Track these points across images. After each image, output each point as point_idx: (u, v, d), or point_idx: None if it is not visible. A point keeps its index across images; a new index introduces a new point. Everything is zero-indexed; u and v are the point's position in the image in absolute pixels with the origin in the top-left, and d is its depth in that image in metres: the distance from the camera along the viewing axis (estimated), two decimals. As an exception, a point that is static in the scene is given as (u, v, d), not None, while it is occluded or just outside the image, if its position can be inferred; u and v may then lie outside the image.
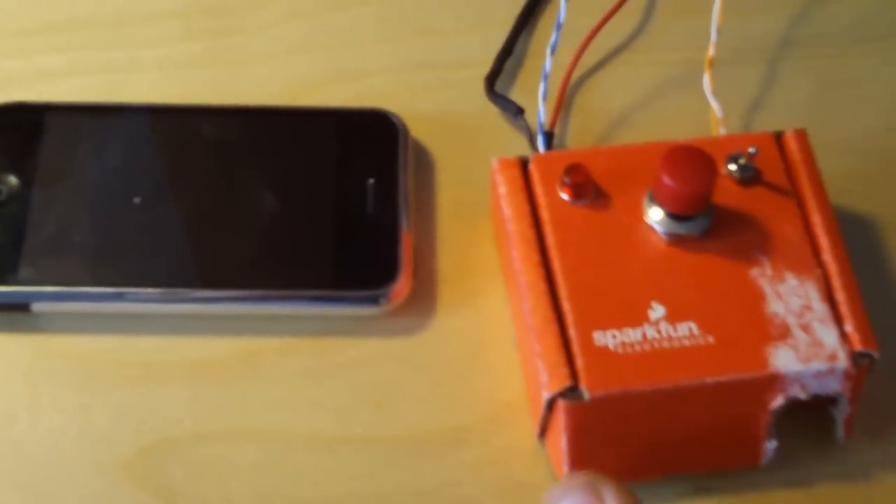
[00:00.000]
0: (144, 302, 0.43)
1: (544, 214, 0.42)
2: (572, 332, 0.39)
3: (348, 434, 0.42)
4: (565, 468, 0.40)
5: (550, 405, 0.39)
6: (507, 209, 0.42)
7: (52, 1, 0.52)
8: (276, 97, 0.49)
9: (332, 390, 0.43)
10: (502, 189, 0.43)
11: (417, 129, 0.48)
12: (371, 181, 0.45)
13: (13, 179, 0.45)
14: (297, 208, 0.45)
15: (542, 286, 0.40)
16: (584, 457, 0.39)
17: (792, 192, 0.42)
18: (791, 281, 0.40)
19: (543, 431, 0.41)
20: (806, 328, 0.39)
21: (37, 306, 0.43)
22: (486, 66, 0.50)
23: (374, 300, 0.43)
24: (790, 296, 0.40)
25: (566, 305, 0.40)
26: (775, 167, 0.42)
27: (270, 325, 0.44)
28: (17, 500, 0.41)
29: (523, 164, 0.43)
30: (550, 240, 0.41)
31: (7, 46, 0.50)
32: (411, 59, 0.51)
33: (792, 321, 0.40)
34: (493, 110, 0.49)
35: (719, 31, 0.46)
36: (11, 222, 0.44)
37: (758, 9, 0.52)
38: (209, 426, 0.42)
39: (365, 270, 0.44)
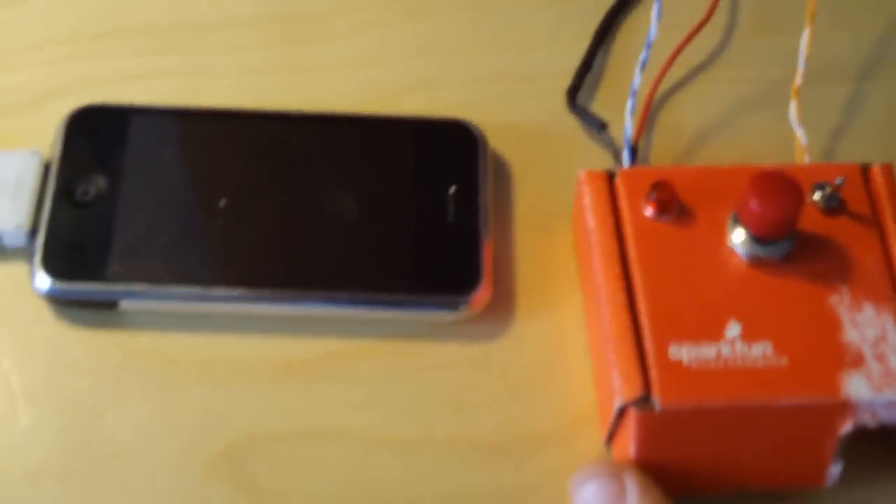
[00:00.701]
0: (229, 302, 0.44)
1: (628, 228, 0.42)
2: (648, 343, 0.40)
3: (428, 436, 0.43)
4: None
5: (621, 413, 0.40)
6: (592, 220, 0.43)
7: (131, 5, 0.52)
8: (351, 105, 0.50)
9: (412, 393, 0.44)
10: (588, 200, 0.43)
11: (495, 140, 0.49)
12: (452, 190, 0.46)
13: (101, 180, 0.46)
14: (379, 214, 0.46)
15: (621, 297, 0.41)
16: (649, 466, 0.40)
17: (874, 224, 0.43)
18: (868, 311, 0.41)
19: (611, 438, 0.42)
20: (880, 358, 0.40)
21: (124, 304, 0.44)
22: (561, 79, 0.51)
23: (454, 306, 0.44)
24: (866, 325, 0.41)
25: (644, 318, 0.41)
26: (859, 198, 0.43)
27: (352, 327, 0.45)
28: (106, 494, 0.42)
29: (610, 177, 0.44)
30: (632, 253, 0.42)
31: (88, 49, 0.51)
32: (487, 70, 0.51)
33: (867, 350, 0.40)
34: (568, 123, 0.50)
35: (807, 60, 0.47)
36: (99, 222, 0.45)
37: (839, 30, 0.53)
38: (292, 426, 0.43)
39: (446, 277, 0.45)
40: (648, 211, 0.42)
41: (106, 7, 0.52)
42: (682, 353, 0.40)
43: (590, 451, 0.43)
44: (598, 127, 0.49)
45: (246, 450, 0.43)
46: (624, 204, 0.43)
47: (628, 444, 0.40)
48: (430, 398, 0.44)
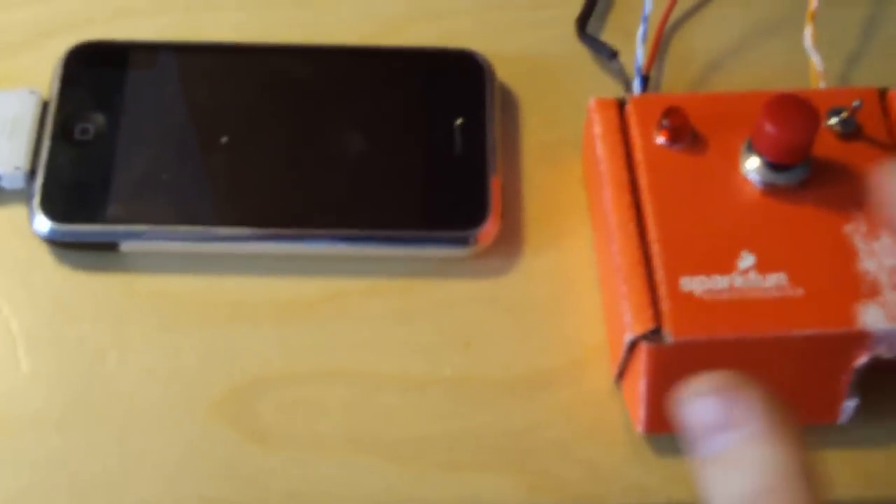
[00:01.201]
0: (232, 241, 0.43)
1: (639, 156, 0.41)
2: (659, 275, 0.39)
3: (437, 375, 0.42)
4: (641, 413, 0.40)
5: (632, 347, 0.39)
6: (602, 149, 0.42)
7: (131, -60, 0.51)
8: (359, 37, 0.49)
9: (421, 331, 0.43)
10: (598, 129, 0.42)
11: (502, 71, 0.47)
12: (458, 122, 0.45)
13: (100, 118, 0.45)
14: (385, 149, 0.45)
15: (631, 228, 0.40)
16: (661, 402, 0.39)
17: (893, 149, 0.41)
18: (885, 239, 0.40)
19: (622, 374, 0.41)
20: None
21: (125, 245, 0.43)
22: (569, 8, 0.50)
23: (462, 241, 0.43)
24: (883, 254, 0.40)
25: (655, 248, 0.40)
26: (877, 123, 0.42)
27: (358, 266, 0.44)
28: (109, 438, 0.41)
29: (620, 105, 0.43)
30: (643, 182, 0.41)
31: (87, -14, 0.50)
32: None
33: (883, 280, 0.39)
34: (578, 52, 0.49)
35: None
36: (99, 161, 0.44)
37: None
38: (298, 366, 0.42)
39: (453, 212, 0.44)
40: (660, 139, 0.41)
41: (104, -57, 0.51)
42: (694, 284, 0.39)
43: (600, 389, 0.42)
44: (608, 55, 0.48)
45: (252, 392, 0.42)
46: (635, 132, 0.42)
47: (639, 379, 0.39)
48: (439, 336, 0.43)
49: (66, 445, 0.41)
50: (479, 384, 0.42)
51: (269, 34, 0.49)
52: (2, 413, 0.41)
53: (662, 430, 0.40)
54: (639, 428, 0.40)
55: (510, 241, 0.45)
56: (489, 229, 0.43)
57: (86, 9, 0.49)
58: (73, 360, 0.42)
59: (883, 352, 0.39)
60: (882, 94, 0.43)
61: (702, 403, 0.33)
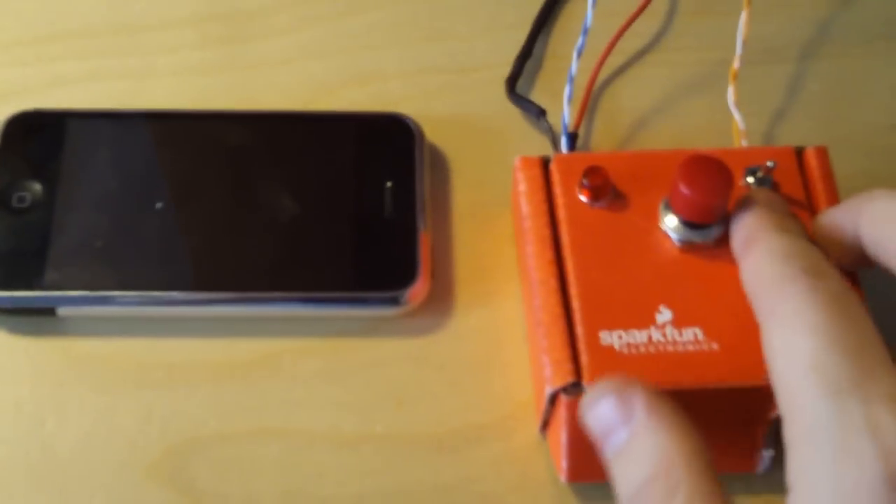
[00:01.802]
0: (167, 305, 0.44)
1: (561, 214, 0.42)
2: (579, 329, 0.40)
3: (369, 432, 0.43)
4: (563, 463, 0.41)
5: (553, 399, 0.40)
6: (526, 206, 0.43)
7: (67, 8, 0.52)
8: (292, 101, 0.50)
9: (353, 390, 0.44)
10: (522, 186, 0.43)
11: (432, 132, 0.49)
12: (388, 184, 0.46)
13: (36, 186, 0.46)
14: (316, 211, 0.46)
15: (553, 283, 0.41)
16: (582, 452, 0.40)
17: (808, 207, 0.42)
18: None
19: (546, 425, 0.42)
20: None
21: (62, 310, 0.44)
22: (498, 69, 0.51)
23: (393, 301, 0.44)
24: None
25: (575, 303, 0.41)
26: (793, 181, 0.43)
27: (291, 326, 0.45)
28: (46, 501, 0.42)
29: (545, 163, 0.44)
30: (565, 239, 0.42)
31: (23, 54, 0.51)
32: (425, 62, 0.51)
33: None
34: (507, 113, 0.50)
35: (744, 44, 0.47)
36: (36, 228, 0.45)
37: (777, 9, 0.53)
38: (233, 426, 0.43)
39: (384, 272, 0.45)
40: (582, 197, 0.42)
41: (41, 11, 0.52)
42: (614, 338, 0.40)
43: (529, 443, 0.43)
44: (536, 114, 0.49)
45: (187, 452, 0.43)
46: (558, 190, 0.43)
47: (560, 430, 0.40)
48: (371, 394, 0.44)
49: (4, 509, 0.41)
50: (410, 441, 0.43)
51: (203, 100, 0.50)
52: (-60, 478, 0.42)
53: (584, 479, 0.41)
54: (562, 477, 0.41)
55: (441, 300, 0.45)
56: (419, 289, 0.44)
57: (24, 76, 0.50)
58: (11, 423, 0.43)
59: None
60: (799, 152, 0.44)
61: (595, 409, 0.35)
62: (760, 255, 0.37)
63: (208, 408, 0.43)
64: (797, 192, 0.43)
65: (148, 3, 0.52)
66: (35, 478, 0.42)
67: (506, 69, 0.51)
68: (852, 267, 0.40)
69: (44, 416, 0.43)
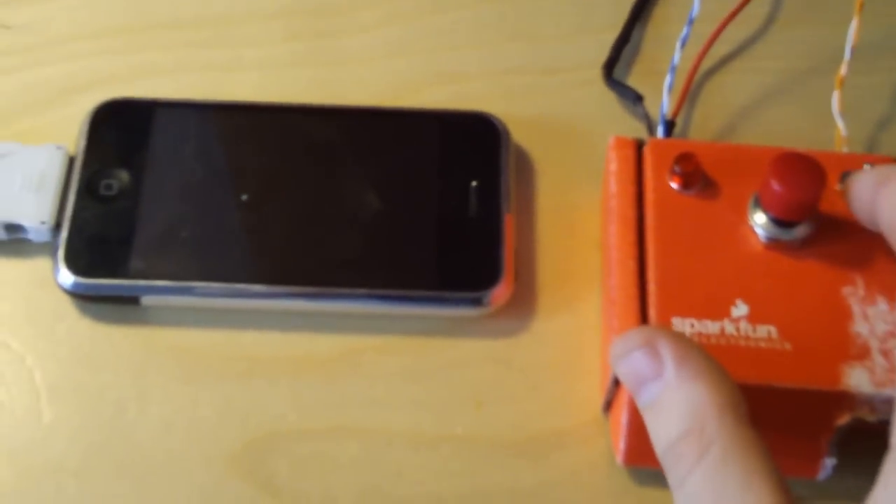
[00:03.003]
0: (251, 298, 0.44)
1: (649, 197, 0.42)
2: (653, 312, 0.40)
3: (448, 433, 0.43)
4: (622, 444, 0.41)
5: (617, 380, 0.40)
6: (614, 186, 0.43)
7: (156, 0, 0.52)
8: (376, 98, 0.50)
9: (433, 390, 0.44)
10: (613, 166, 0.43)
11: (516, 133, 0.48)
12: (474, 184, 0.46)
13: (123, 175, 0.46)
14: (400, 209, 0.46)
15: (631, 265, 0.41)
16: (641, 435, 0.39)
17: None
18: (882, 305, 0.40)
19: (609, 406, 0.42)
20: (887, 354, 0.39)
21: (146, 299, 0.44)
22: (584, 72, 0.51)
23: (476, 302, 0.44)
24: (877, 319, 0.40)
25: (652, 287, 0.41)
26: None
27: (372, 324, 0.45)
28: (126, 489, 0.42)
29: (639, 145, 0.44)
30: (650, 222, 0.42)
31: (111, 44, 0.52)
32: (510, 62, 0.51)
33: (874, 344, 0.40)
34: (593, 115, 0.50)
35: (853, 51, 0.46)
36: (122, 217, 0.45)
37: (875, 18, 0.51)
38: (312, 422, 0.43)
39: (467, 272, 0.45)
40: (673, 183, 0.42)
41: (131, 2, 0.53)
42: (686, 326, 0.40)
43: (610, 451, 0.43)
44: (633, 99, 0.49)
45: (266, 447, 0.43)
46: (649, 173, 0.43)
47: (621, 412, 0.40)
48: (451, 395, 0.44)
49: (85, 495, 0.42)
50: (489, 444, 0.43)
51: (288, 94, 0.50)
52: (23, 462, 0.42)
53: (641, 463, 0.41)
54: (619, 458, 0.41)
55: (523, 303, 0.45)
56: (502, 291, 0.44)
57: (113, 66, 0.51)
58: (93, 410, 0.43)
59: (865, 414, 0.39)
60: None
61: (627, 360, 0.35)
62: None
63: (288, 403, 0.43)
64: None
65: (236, -4, 0.53)
66: (116, 464, 0.42)
67: (590, 71, 0.51)
68: None
69: (126, 404, 0.43)
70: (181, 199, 0.46)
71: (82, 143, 0.47)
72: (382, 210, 0.46)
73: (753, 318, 0.40)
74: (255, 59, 0.51)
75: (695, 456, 0.33)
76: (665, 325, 0.40)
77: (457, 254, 0.45)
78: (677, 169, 0.42)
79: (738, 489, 0.33)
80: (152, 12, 0.52)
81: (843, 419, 0.39)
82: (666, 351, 0.35)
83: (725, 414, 0.34)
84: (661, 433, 0.35)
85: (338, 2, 0.53)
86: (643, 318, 0.40)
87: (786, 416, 0.40)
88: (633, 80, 0.50)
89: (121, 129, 0.47)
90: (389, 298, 0.44)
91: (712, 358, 0.35)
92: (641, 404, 0.36)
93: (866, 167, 0.42)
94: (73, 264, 0.44)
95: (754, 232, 0.42)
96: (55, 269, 0.44)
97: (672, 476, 0.34)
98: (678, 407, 0.34)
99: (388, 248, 0.45)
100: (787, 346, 0.40)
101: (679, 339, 0.36)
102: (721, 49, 0.51)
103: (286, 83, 0.51)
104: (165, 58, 0.51)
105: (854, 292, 0.41)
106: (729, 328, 0.40)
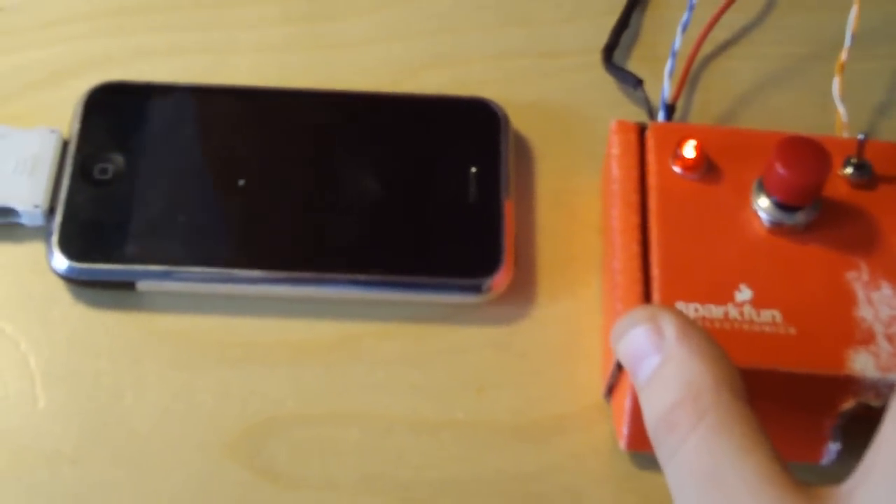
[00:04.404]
0: (248, 283, 0.44)
1: (652, 181, 0.42)
2: (656, 297, 0.40)
3: (449, 418, 0.43)
4: (624, 429, 0.40)
5: (620, 365, 0.40)
6: (616, 170, 0.43)
7: (152, -20, 0.52)
8: (373, 82, 0.50)
9: (433, 375, 0.43)
10: (615, 150, 0.43)
11: (515, 117, 0.48)
12: (473, 170, 0.46)
13: (119, 158, 0.46)
14: (400, 195, 0.45)
15: (635, 248, 0.41)
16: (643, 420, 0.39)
17: None
18: (886, 290, 0.40)
19: (611, 391, 0.42)
20: (891, 338, 0.39)
21: (142, 285, 0.44)
22: (583, 56, 0.50)
23: (475, 289, 0.44)
24: (882, 304, 0.40)
25: (655, 271, 0.40)
26: (893, 177, 0.42)
27: (371, 310, 0.44)
28: (123, 475, 0.41)
29: (641, 129, 0.44)
30: (653, 206, 0.42)
31: (107, 25, 0.51)
32: (509, 46, 0.51)
33: (878, 329, 0.40)
34: (592, 100, 0.49)
35: (853, 37, 0.46)
36: (117, 201, 0.45)
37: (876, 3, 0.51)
38: (312, 408, 0.43)
39: (467, 259, 0.44)
40: (675, 167, 0.42)
41: (126, -18, 0.52)
42: (690, 310, 0.40)
43: (612, 435, 0.42)
44: (633, 84, 0.48)
45: (265, 433, 0.42)
46: (651, 157, 0.43)
47: (625, 398, 0.40)
48: (452, 380, 0.43)
49: (81, 482, 0.41)
50: (490, 429, 0.43)
51: (286, 77, 0.50)
52: (18, 448, 0.42)
53: (643, 448, 0.40)
54: (622, 444, 0.41)
55: (523, 289, 0.45)
56: (502, 277, 0.44)
57: (107, 48, 0.50)
58: (89, 396, 0.43)
59: (870, 399, 0.39)
60: None
61: (627, 337, 0.35)
62: None
63: (287, 388, 0.43)
64: (895, 187, 0.42)
65: (231, -23, 0.52)
66: (113, 451, 0.42)
67: (590, 56, 0.50)
68: None
69: (122, 391, 0.43)
70: (177, 184, 0.45)
71: (76, 126, 0.46)
72: (381, 196, 0.45)
73: (757, 303, 0.40)
74: (251, 42, 0.51)
75: (689, 423, 0.33)
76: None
77: (456, 240, 0.45)
78: (680, 153, 0.42)
79: (736, 457, 0.32)
80: (146, -6, 0.52)
81: (848, 404, 0.39)
82: (668, 327, 0.35)
83: (721, 387, 0.33)
84: (655, 403, 0.35)
85: (334, -16, 0.52)
86: (647, 302, 0.40)
87: (790, 400, 0.39)
88: (633, 65, 0.50)
89: (115, 113, 0.47)
90: (387, 285, 0.44)
91: (714, 339, 0.35)
92: (639, 380, 0.36)
93: None
94: (68, 249, 0.44)
95: (758, 216, 0.41)
96: (49, 254, 0.44)
97: (664, 447, 0.34)
98: (674, 378, 0.34)
99: (386, 235, 0.45)
100: (792, 330, 0.39)
101: (682, 316, 0.35)
102: (721, 34, 0.51)
103: (283, 66, 0.50)
104: (160, 40, 0.51)
105: (858, 277, 0.40)
106: (733, 312, 0.40)
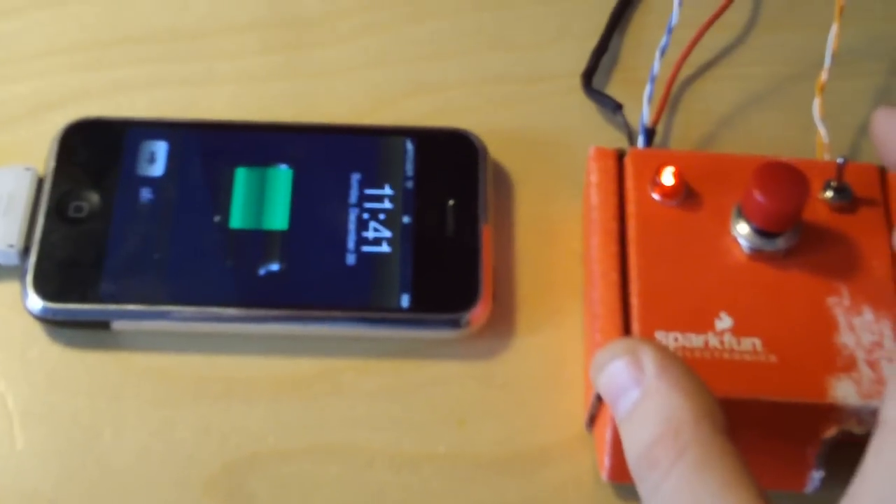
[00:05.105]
0: (225, 322, 0.43)
1: (631, 208, 0.42)
2: (635, 326, 0.39)
3: (431, 452, 0.42)
4: (606, 460, 0.40)
5: (600, 396, 0.39)
6: (595, 197, 0.42)
7: (128, 14, 0.52)
8: (354, 110, 0.49)
9: (414, 409, 0.43)
10: (594, 177, 0.43)
11: (495, 143, 0.48)
12: (451, 203, 0.45)
13: (94, 196, 0.45)
14: (378, 229, 0.45)
15: (614, 277, 0.41)
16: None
17: (886, 228, 0.41)
18: (867, 315, 0.40)
19: (592, 421, 0.42)
20: (873, 365, 0.39)
21: (116, 325, 0.43)
22: (564, 80, 0.50)
23: (454, 324, 0.43)
24: (863, 330, 0.40)
25: (634, 300, 0.40)
26: (874, 200, 0.42)
27: (351, 344, 0.44)
28: (102, 516, 0.41)
29: (619, 156, 0.43)
30: (632, 234, 0.41)
31: (85, 59, 0.51)
32: (489, 72, 0.51)
33: (860, 355, 0.39)
34: (572, 127, 0.49)
35: (833, 57, 0.46)
36: (92, 239, 0.44)
37: (854, 23, 0.50)
38: (292, 443, 0.42)
39: (444, 294, 0.44)
40: (654, 194, 0.42)
41: (102, 17, 0.52)
42: (669, 340, 0.39)
43: (594, 466, 0.42)
44: (613, 108, 0.48)
45: (245, 468, 0.42)
46: (630, 184, 0.42)
47: (605, 428, 0.39)
48: (433, 413, 0.43)
49: (60, 524, 0.41)
50: (472, 462, 0.42)
51: (264, 107, 0.49)
52: (-3, 490, 0.41)
53: (626, 480, 0.40)
54: (604, 475, 0.40)
55: (503, 321, 0.45)
56: (481, 311, 0.43)
57: (85, 82, 0.50)
58: (68, 436, 0.42)
59: (853, 426, 0.38)
60: (882, 172, 0.43)
61: (606, 370, 0.35)
62: None
63: (267, 424, 0.43)
64: (876, 211, 0.42)
65: (209, 9, 0.52)
66: (92, 490, 0.41)
67: (569, 82, 0.50)
68: None
69: (101, 429, 0.42)
70: (153, 221, 0.45)
71: (51, 163, 0.46)
72: (359, 230, 0.45)
73: (738, 331, 0.39)
74: (229, 73, 0.50)
75: (670, 459, 0.33)
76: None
77: (434, 275, 0.44)
78: (659, 180, 0.42)
79: (718, 493, 0.32)
80: (124, 27, 0.51)
81: (831, 432, 0.39)
82: (648, 360, 0.35)
83: (701, 422, 0.33)
84: (636, 439, 0.34)
85: (313, 13, 0.52)
86: (626, 332, 0.40)
87: (772, 429, 0.39)
88: (613, 89, 0.50)
89: (91, 149, 0.46)
90: (365, 321, 0.43)
91: (694, 371, 0.35)
92: (619, 414, 0.35)
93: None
94: (42, 289, 0.43)
95: (737, 242, 0.41)
96: (23, 294, 0.43)
97: (646, 484, 0.34)
98: (655, 413, 0.34)
99: (364, 270, 0.44)
100: (773, 358, 0.39)
101: (662, 349, 0.35)
102: (701, 56, 0.50)
103: (262, 96, 0.50)
104: (138, 73, 0.50)
105: (839, 302, 0.40)
106: (713, 341, 0.39)
